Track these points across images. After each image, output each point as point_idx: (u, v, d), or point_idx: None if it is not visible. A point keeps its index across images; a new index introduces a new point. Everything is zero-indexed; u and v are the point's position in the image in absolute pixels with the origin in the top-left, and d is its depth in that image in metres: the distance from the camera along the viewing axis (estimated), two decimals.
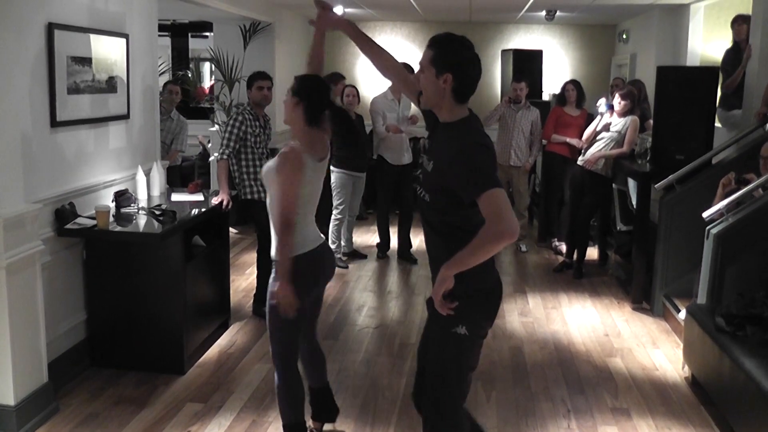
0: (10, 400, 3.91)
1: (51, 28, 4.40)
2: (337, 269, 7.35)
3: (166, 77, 10.12)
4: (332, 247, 6.95)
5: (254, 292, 6.17)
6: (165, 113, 7.44)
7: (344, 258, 7.72)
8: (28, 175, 4.15)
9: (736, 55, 6.66)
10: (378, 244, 8.10)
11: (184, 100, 8.89)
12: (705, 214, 5.06)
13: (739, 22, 6.64)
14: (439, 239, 2.92)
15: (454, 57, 2.73)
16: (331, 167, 7.16)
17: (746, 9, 6.68)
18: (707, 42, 8.55)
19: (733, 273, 4.86)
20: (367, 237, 8.70)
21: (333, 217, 7.47)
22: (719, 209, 4.95)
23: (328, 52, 11.88)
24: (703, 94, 6.27)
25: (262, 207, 4.72)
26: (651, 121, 7.17)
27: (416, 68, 2.91)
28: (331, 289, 6.74)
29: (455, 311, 2.79)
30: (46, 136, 4.46)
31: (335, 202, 7.44)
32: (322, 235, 3.68)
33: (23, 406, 3.96)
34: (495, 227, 2.54)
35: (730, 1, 7.86)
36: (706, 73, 6.53)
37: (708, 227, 5.01)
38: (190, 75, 12.63)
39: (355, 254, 7.94)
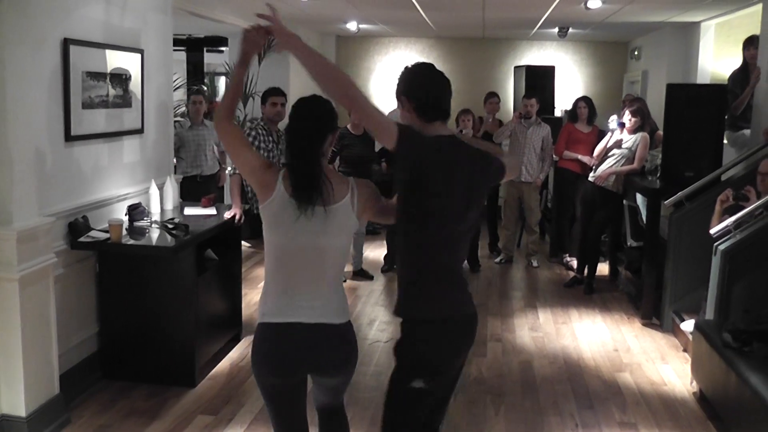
0: (22, 412, 3.95)
1: (67, 43, 4.46)
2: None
3: (181, 92, 10.19)
4: None
5: None
6: (197, 123, 7.63)
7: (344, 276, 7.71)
8: (43, 189, 4.21)
9: (744, 75, 6.62)
10: (385, 256, 8.15)
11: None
12: (712, 231, 5.07)
13: (755, 45, 6.52)
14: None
15: (403, 83, 2.89)
16: None
17: (756, 28, 6.66)
18: (717, 59, 8.58)
19: (741, 289, 4.86)
20: (380, 251, 8.70)
21: None
22: (726, 226, 4.97)
23: (342, 63, 12.00)
24: (712, 111, 6.28)
25: None
26: (660, 132, 7.18)
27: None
28: None
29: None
30: (61, 150, 4.52)
31: None
32: (317, 318, 2.79)
33: (35, 418, 4.00)
34: (345, 89, 2.65)
35: (740, 20, 7.88)
36: (715, 91, 6.55)
37: (715, 244, 5.03)
38: (205, 89, 12.75)
39: (363, 273, 7.80)
